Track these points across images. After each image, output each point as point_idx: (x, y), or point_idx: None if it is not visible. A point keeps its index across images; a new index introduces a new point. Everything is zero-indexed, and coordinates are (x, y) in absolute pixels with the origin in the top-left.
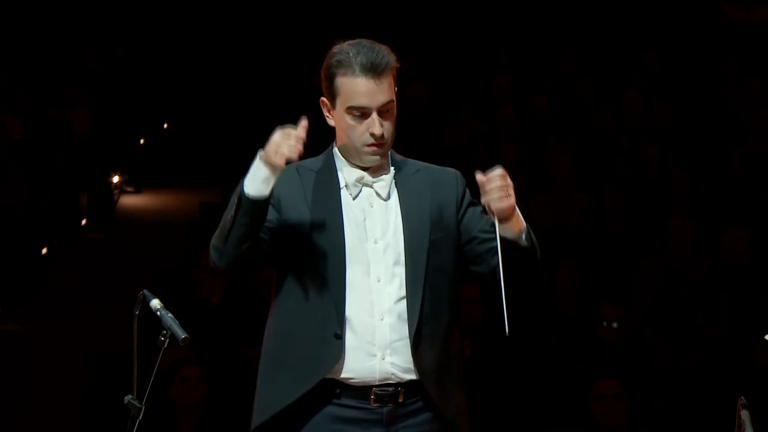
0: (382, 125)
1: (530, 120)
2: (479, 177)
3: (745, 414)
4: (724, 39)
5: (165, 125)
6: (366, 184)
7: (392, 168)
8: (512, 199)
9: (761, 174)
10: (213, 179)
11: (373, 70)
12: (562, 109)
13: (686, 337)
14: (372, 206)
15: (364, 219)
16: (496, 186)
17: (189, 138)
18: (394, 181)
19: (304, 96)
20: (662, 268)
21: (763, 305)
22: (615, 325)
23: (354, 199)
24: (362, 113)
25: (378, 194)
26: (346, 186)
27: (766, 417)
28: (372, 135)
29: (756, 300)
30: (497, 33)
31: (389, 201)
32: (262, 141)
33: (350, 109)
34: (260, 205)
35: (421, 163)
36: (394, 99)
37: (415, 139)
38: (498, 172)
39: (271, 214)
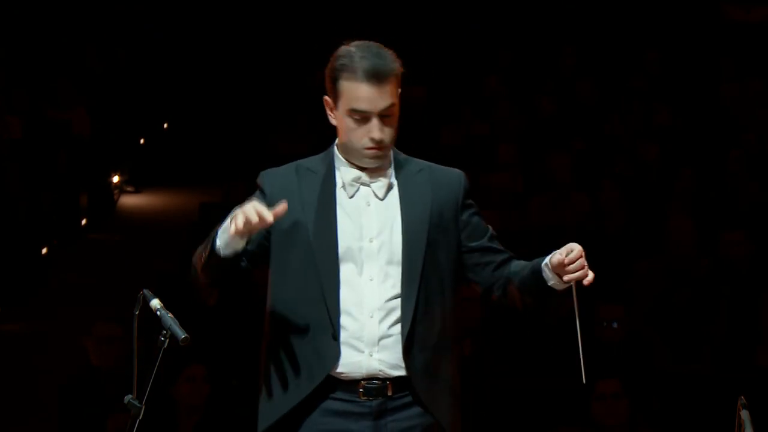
0: (382, 130)
1: (530, 120)
2: (559, 257)
3: (745, 414)
4: (724, 39)
5: (165, 125)
6: (363, 184)
7: (392, 167)
8: (591, 273)
9: (761, 174)
10: (213, 179)
11: (376, 76)
12: (562, 109)
13: (686, 336)
14: (369, 205)
15: (360, 218)
16: (581, 264)
17: (189, 138)
18: (395, 180)
19: (303, 96)
20: (662, 268)
21: (763, 305)
22: (615, 325)
23: (351, 198)
24: (363, 117)
25: (375, 194)
26: (343, 185)
27: (766, 417)
28: (371, 140)
29: (756, 300)
30: (497, 33)
31: (387, 200)
32: (261, 141)
33: (351, 112)
34: (227, 260)
35: (426, 162)
36: (396, 102)
37: (415, 139)
38: (578, 248)
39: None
